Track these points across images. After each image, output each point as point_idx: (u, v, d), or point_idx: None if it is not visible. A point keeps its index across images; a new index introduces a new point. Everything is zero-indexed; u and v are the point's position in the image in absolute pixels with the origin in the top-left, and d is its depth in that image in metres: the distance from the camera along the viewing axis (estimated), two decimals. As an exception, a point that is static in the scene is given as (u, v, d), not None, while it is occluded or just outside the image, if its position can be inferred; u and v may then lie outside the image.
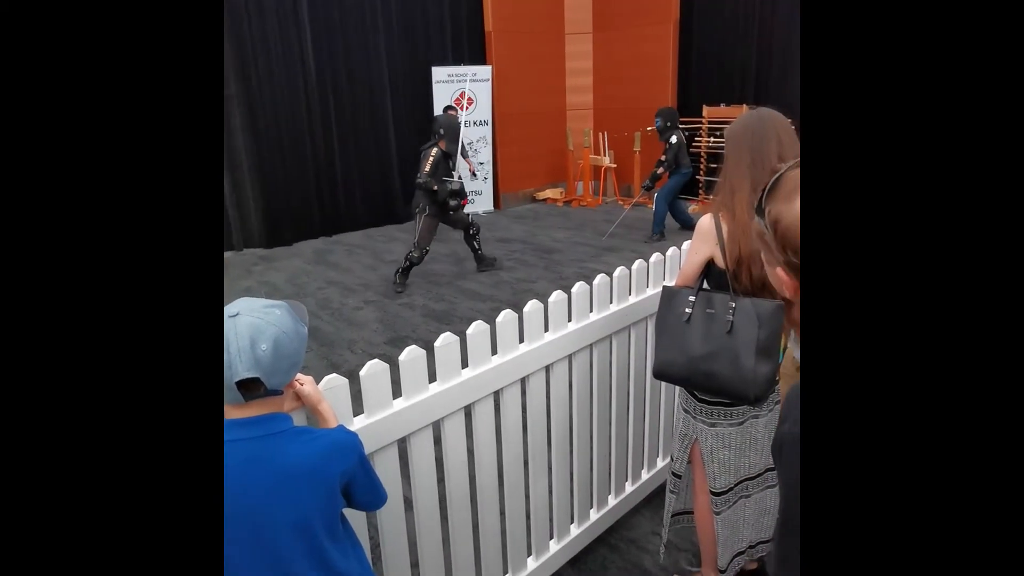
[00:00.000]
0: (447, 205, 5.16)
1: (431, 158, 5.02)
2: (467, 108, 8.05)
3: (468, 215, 5.45)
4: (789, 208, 0.76)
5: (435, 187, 5.01)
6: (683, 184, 6.63)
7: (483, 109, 8.23)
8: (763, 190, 0.81)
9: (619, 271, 2.12)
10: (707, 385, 1.62)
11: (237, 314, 0.99)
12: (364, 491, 1.13)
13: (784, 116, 1.58)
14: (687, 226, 6.85)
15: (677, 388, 1.84)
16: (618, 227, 6.95)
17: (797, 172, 0.79)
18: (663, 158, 6.52)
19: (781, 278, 0.81)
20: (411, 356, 1.48)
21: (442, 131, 5.13)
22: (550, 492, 2.04)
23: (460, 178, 5.35)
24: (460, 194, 5.18)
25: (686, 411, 1.79)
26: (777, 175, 0.80)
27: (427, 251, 5.21)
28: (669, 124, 6.48)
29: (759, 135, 1.53)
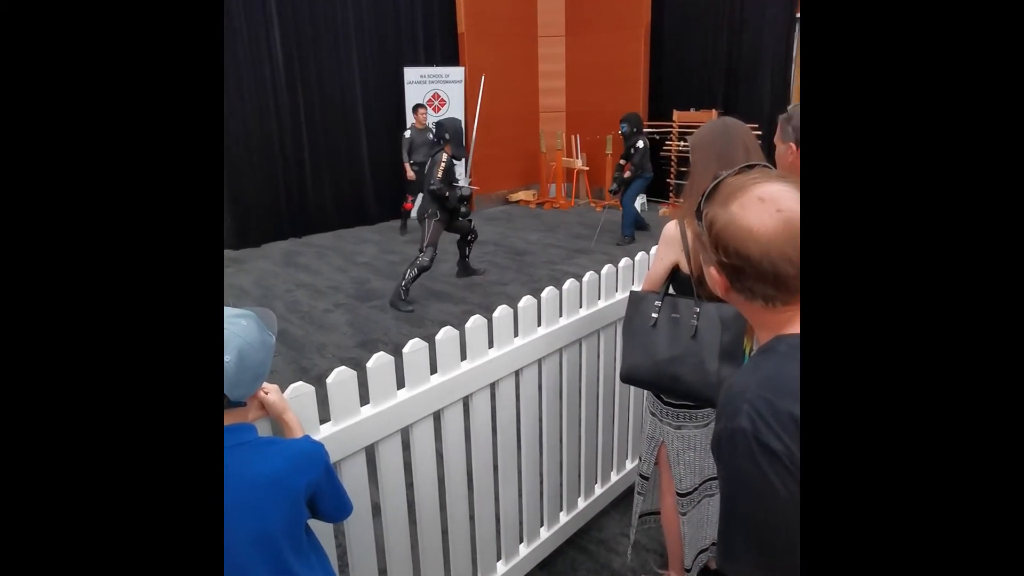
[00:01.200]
0: (456, 211, 5.13)
1: (442, 164, 4.94)
2: (440, 109, 8.04)
3: (471, 221, 5.42)
4: (724, 211, 0.81)
5: (447, 193, 4.96)
6: (644, 188, 6.85)
7: (455, 110, 8.22)
8: (703, 194, 0.84)
9: (588, 276, 2.14)
10: (673, 388, 1.65)
11: None
12: (329, 502, 1.12)
13: (746, 124, 1.62)
14: (640, 225, 7.08)
15: (644, 391, 1.87)
16: (589, 230, 7.01)
17: (735, 179, 0.83)
18: (623, 162, 6.69)
19: (714, 277, 0.85)
20: (379, 363, 1.47)
21: (447, 135, 5.04)
22: (519, 495, 2.05)
23: (469, 183, 5.37)
24: (469, 199, 5.16)
25: (653, 414, 1.82)
26: (717, 180, 0.84)
27: (436, 254, 5.12)
28: (635, 130, 6.64)
29: (726, 143, 1.57)
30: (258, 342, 1.03)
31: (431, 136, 6.71)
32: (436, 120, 5.63)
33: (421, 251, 5.02)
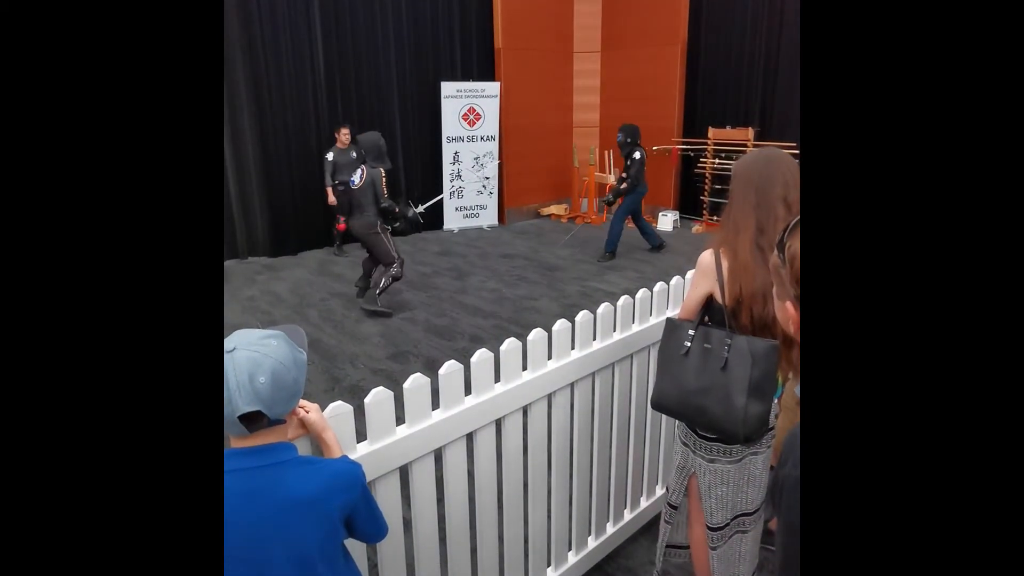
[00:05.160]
0: (411, 226, 5.10)
1: (384, 179, 4.86)
2: (475, 123, 8.13)
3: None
4: None
5: (397, 209, 4.90)
6: (638, 203, 6.60)
7: (490, 124, 8.30)
8: (785, 228, 0.84)
9: (623, 300, 2.13)
10: (699, 420, 1.63)
11: (234, 349, 1.00)
12: (365, 523, 1.14)
13: (791, 157, 1.60)
14: (656, 247, 6.83)
15: (676, 420, 1.85)
16: (622, 246, 6.96)
17: None
18: (624, 175, 6.48)
19: (789, 312, 0.84)
20: (415, 384, 1.49)
21: (364, 151, 4.87)
22: (549, 519, 2.04)
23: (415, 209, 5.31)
24: (418, 225, 5.11)
25: (685, 444, 1.79)
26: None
27: (403, 259, 5.11)
28: (630, 140, 6.42)
29: (765, 177, 1.55)
30: (290, 361, 1.05)
31: (353, 155, 6.46)
32: (357, 136, 5.44)
33: (388, 266, 4.94)
